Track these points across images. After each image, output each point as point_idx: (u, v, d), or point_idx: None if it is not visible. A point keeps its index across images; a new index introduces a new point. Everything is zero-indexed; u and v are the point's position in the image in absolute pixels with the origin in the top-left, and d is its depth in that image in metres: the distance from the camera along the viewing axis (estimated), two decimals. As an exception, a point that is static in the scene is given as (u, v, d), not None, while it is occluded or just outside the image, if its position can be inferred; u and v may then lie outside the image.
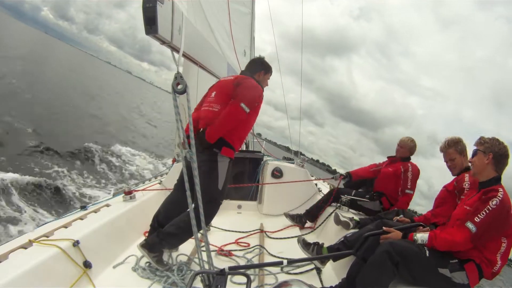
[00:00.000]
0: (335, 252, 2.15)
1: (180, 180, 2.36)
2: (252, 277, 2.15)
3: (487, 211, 1.59)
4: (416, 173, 2.99)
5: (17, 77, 14.76)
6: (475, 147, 1.83)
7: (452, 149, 2.20)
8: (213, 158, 2.16)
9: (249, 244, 2.75)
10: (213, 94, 2.32)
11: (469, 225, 1.61)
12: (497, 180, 1.75)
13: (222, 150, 2.17)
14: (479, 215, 1.60)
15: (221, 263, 2.37)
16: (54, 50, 67.67)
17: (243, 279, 2.04)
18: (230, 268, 1.15)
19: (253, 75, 2.41)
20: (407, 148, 3.06)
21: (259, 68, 2.45)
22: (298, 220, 3.26)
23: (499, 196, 1.61)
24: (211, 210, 2.17)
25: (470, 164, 1.87)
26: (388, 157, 3.23)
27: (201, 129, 2.17)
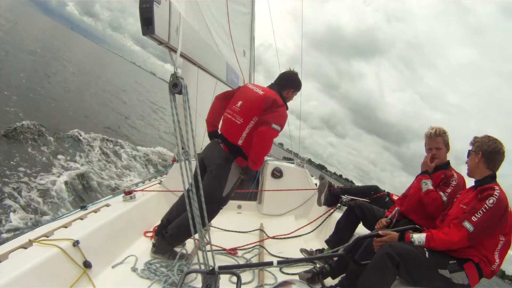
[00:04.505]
0: (334, 263, 2.11)
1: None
2: (252, 276, 2.16)
3: (484, 210, 1.59)
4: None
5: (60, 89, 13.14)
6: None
7: (441, 138, 2.17)
8: (226, 165, 2.18)
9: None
10: (239, 103, 2.25)
11: (467, 224, 1.61)
12: (492, 178, 1.73)
13: (237, 160, 2.18)
14: (476, 214, 1.60)
15: (221, 263, 2.37)
16: (88, 51, 65.83)
17: (244, 279, 2.03)
18: (220, 267, 1.14)
19: (282, 91, 2.33)
20: None
21: (289, 86, 2.37)
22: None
23: (495, 195, 1.61)
24: (210, 210, 2.21)
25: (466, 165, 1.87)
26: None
27: (221, 133, 2.26)
